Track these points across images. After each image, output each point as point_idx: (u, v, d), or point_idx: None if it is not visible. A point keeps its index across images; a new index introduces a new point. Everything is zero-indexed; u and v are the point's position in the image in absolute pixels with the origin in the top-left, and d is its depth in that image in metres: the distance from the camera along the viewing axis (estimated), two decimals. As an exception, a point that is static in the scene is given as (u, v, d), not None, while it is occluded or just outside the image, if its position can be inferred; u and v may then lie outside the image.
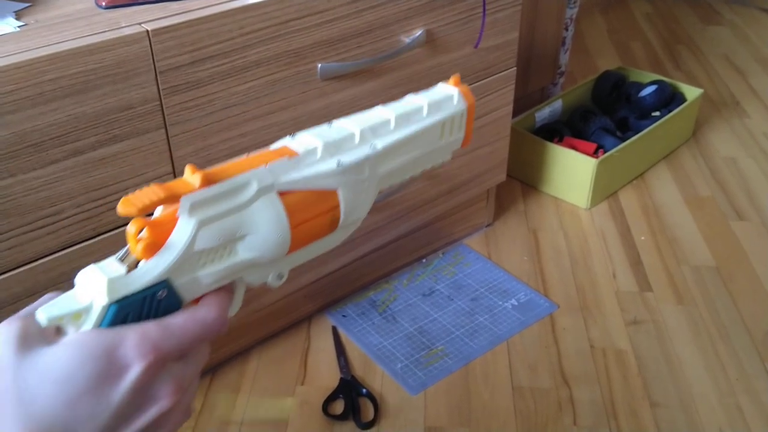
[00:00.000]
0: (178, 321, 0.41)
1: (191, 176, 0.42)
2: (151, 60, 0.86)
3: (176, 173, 0.95)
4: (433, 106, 0.54)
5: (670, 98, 1.82)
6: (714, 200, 1.66)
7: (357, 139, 0.50)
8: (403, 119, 0.53)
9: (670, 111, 1.77)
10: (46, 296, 0.42)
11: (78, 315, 0.40)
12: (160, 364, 0.40)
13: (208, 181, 0.42)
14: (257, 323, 1.24)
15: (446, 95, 0.55)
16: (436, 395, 1.18)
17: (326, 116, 1.08)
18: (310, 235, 0.48)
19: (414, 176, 0.56)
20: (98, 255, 0.92)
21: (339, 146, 0.49)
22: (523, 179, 1.72)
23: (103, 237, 0.92)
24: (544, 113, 1.77)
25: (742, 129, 1.94)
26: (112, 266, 0.41)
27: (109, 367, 0.38)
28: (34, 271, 0.87)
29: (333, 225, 0.49)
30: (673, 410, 1.15)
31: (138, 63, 0.85)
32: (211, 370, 1.23)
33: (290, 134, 0.50)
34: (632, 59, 2.33)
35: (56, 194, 0.85)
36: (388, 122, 0.52)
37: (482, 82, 1.29)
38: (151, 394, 0.40)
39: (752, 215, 1.61)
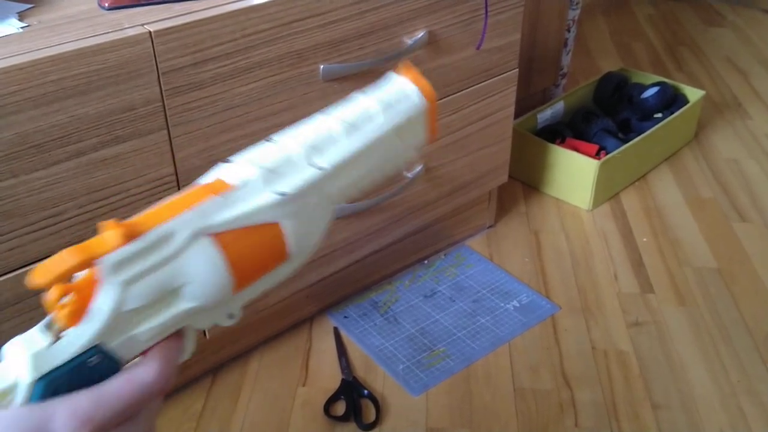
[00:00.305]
0: (113, 387, 0.38)
1: (108, 233, 0.39)
2: (154, 61, 0.86)
3: (178, 174, 0.95)
4: (388, 109, 0.48)
5: (672, 100, 1.82)
6: (716, 202, 1.66)
7: (300, 159, 0.45)
8: (353, 129, 0.47)
9: (672, 113, 1.77)
10: None
11: (5, 393, 0.37)
12: None
13: (128, 237, 0.39)
14: (258, 324, 1.25)
15: (402, 93, 0.49)
16: (438, 396, 1.18)
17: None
18: (256, 271, 0.44)
19: (374, 183, 0.50)
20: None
21: (278, 172, 0.44)
22: (524, 180, 1.72)
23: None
24: (545, 115, 1.77)
25: (744, 130, 1.94)
26: (36, 338, 0.38)
27: None
28: (36, 272, 0.88)
29: (281, 257, 0.45)
30: (674, 412, 1.15)
31: (140, 64, 0.85)
32: (213, 372, 1.23)
33: (224, 160, 0.45)
34: (634, 61, 2.33)
35: (58, 195, 0.86)
36: (335, 135, 0.46)
37: (484, 83, 1.29)
38: None
39: (754, 217, 1.61)
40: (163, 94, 0.89)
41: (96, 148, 0.86)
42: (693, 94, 1.86)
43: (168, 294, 0.40)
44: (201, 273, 0.41)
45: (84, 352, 0.38)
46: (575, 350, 1.27)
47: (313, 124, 0.47)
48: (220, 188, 0.43)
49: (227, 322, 0.44)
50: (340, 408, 1.16)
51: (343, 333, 1.30)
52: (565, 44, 1.93)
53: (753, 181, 1.73)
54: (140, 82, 0.86)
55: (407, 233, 1.36)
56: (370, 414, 1.15)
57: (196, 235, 0.41)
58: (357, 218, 1.22)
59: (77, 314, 0.38)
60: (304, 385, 1.20)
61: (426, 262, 1.47)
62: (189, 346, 0.44)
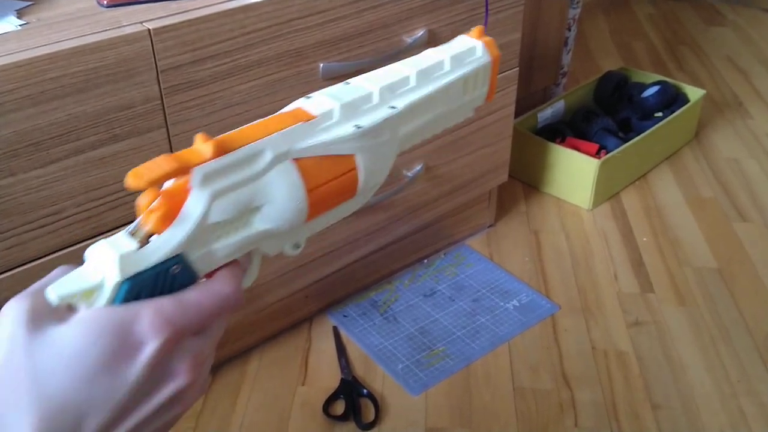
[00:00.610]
0: (193, 296, 0.40)
1: (202, 145, 0.40)
2: (153, 59, 0.86)
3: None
4: (455, 60, 0.51)
5: (672, 99, 1.82)
6: (716, 201, 1.65)
7: (376, 99, 0.47)
8: (423, 76, 0.49)
9: (672, 112, 1.77)
10: (57, 270, 0.41)
11: (90, 293, 0.38)
12: (176, 340, 0.39)
13: (220, 151, 0.40)
14: (258, 323, 1.24)
15: (468, 47, 0.52)
16: (437, 396, 1.18)
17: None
18: (328, 202, 0.46)
19: (436, 134, 0.53)
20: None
21: (356, 108, 0.46)
22: (525, 180, 1.72)
23: (103, 236, 0.91)
24: (546, 114, 1.76)
25: (744, 130, 1.94)
26: (123, 241, 0.39)
27: (123, 344, 0.37)
28: (34, 270, 0.87)
29: (352, 191, 0.47)
30: (674, 412, 1.15)
31: (139, 62, 0.85)
32: (212, 371, 1.22)
33: (306, 95, 0.47)
34: (635, 60, 2.32)
35: (57, 193, 0.85)
36: (407, 79, 0.49)
37: (484, 82, 1.29)
38: (167, 371, 0.39)
39: (755, 216, 1.60)
40: (162, 93, 0.89)
41: (94, 146, 0.86)
42: (693, 93, 1.85)
43: (248, 212, 0.42)
44: (281, 195, 0.43)
45: (168, 259, 0.39)
46: (575, 350, 1.26)
47: (386, 69, 0.50)
48: (303, 117, 0.45)
49: (292, 252, 0.46)
50: (340, 407, 1.16)
51: (343, 332, 1.30)
52: (566, 43, 1.93)
53: (753, 181, 1.72)
54: (139, 80, 0.86)
55: (407, 232, 1.36)
56: (370, 413, 1.14)
57: (280, 158, 0.43)
58: (357, 217, 1.22)
59: (166, 219, 0.39)
60: (303, 385, 1.20)
61: (426, 261, 1.46)
62: (253, 272, 0.46)
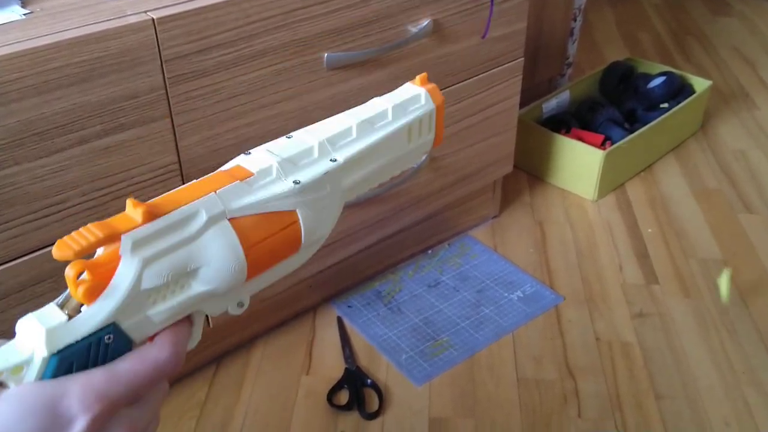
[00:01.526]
0: (125, 365, 0.38)
1: (133, 211, 0.39)
2: (157, 48, 0.86)
3: (181, 162, 0.95)
4: (399, 109, 0.51)
5: (678, 90, 1.81)
6: (722, 193, 1.65)
7: (315, 153, 0.47)
8: (366, 126, 0.49)
9: (678, 103, 1.76)
10: None
11: (18, 368, 0.37)
12: (108, 414, 0.37)
13: (151, 216, 0.39)
14: (262, 313, 1.24)
15: (412, 95, 0.52)
16: (441, 386, 1.18)
17: (333, 106, 1.07)
18: (270, 259, 0.45)
19: (383, 182, 0.52)
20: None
21: (295, 163, 0.46)
22: (529, 171, 1.72)
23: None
24: (551, 104, 1.76)
25: (751, 121, 1.93)
26: (51, 314, 0.38)
27: (52, 422, 0.36)
28: (39, 260, 0.87)
29: (294, 246, 0.46)
30: (678, 403, 1.15)
31: (143, 51, 0.85)
32: (216, 360, 1.23)
33: (245, 152, 0.47)
34: (641, 50, 2.31)
35: (62, 183, 0.85)
36: (349, 131, 0.48)
37: (489, 72, 1.28)
38: None
39: (760, 208, 1.60)
40: (167, 82, 0.88)
41: (99, 135, 0.86)
42: (700, 84, 1.84)
43: (184, 275, 0.41)
44: (217, 256, 0.42)
45: (100, 330, 0.38)
46: (579, 341, 1.26)
47: (328, 121, 0.49)
48: (240, 175, 0.44)
49: (237, 311, 0.45)
50: (344, 397, 1.16)
51: (347, 322, 1.30)
52: (571, 33, 1.92)
53: (759, 172, 1.72)
54: (143, 70, 0.86)
55: (411, 223, 1.35)
56: (373, 403, 1.15)
57: (215, 218, 0.42)
58: (361, 208, 1.22)
59: (94, 292, 0.38)
60: (307, 374, 1.20)
61: (430, 252, 1.46)
62: (197, 333, 0.44)
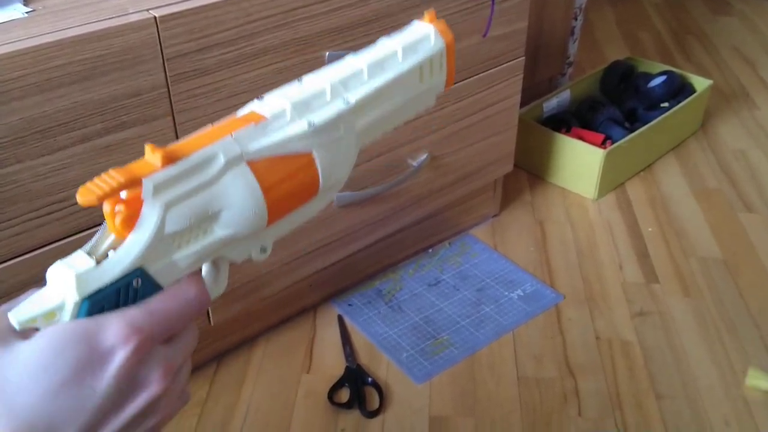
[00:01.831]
0: (159, 301, 0.39)
1: (152, 156, 0.40)
2: (159, 47, 0.86)
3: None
4: (408, 49, 0.51)
5: (679, 89, 1.81)
6: (722, 192, 1.65)
7: (328, 95, 0.47)
8: (376, 67, 0.49)
9: (678, 102, 1.76)
10: (29, 292, 0.40)
11: (51, 314, 0.38)
12: (146, 348, 0.38)
13: (169, 159, 0.40)
14: (263, 312, 1.25)
15: (422, 35, 0.52)
16: (442, 385, 1.18)
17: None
18: (289, 203, 0.45)
19: (397, 126, 0.52)
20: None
21: (309, 105, 0.46)
22: (530, 170, 1.72)
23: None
24: (551, 103, 1.76)
25: (751, 121, 1.93)
26: (80, 260, 0.39)
27: (90, 354, 0.36)
28: (41, 258, 0.88)
29: (312, 190, 0.46)
30: (678, 402, 1.15)
31: (145, 50, 0.85)
32: (217, 359, 1.23)
33: (258, 97, 0.47)
34: (641, 49, 2.31)
35: (64, 181, 0.86)
36: (360, 72, 0.49)
37: (490, 71, 1.29)
38: (139, 381, 0.38)
39: (760, 207, 1.60)
40: (168, 80, 0.89)
41: (101, 134, 0.86)
42: (700, 83, 1.85)
43: (206, 219, 0.41)
44: (237, 199, 0.42)
45: (127, 275, 0.39)
46: (579, 340, 1.26)
47: (338, 64, 0.49)
48: (254, 119, 0.44)
49: (260, 256, 0.46)
50: (344, 395, 1.16)
51: (348, 321, 1.30)
52: (572, 33, 1.92)
53: (759, 172, 1.72)
54: (145, 68, 0.86)
55: (412, 222, 1.36)
56: (374, 401, 1.15)
57: (233, 161, 0.42)
58: (361, 207, 1.22)
59: (131, 221, 0.39)
60: (308, 373, 1.21)
61: (430, 250, 1.46)
62: (222, 280, 0.45)
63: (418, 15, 1.15)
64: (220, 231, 0.42)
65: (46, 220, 0.86)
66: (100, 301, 0.38)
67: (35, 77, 0.78)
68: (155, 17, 0.84)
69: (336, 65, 0.49)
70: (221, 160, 0.42)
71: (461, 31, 1.19)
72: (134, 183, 0.39)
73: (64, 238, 0.89)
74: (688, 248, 1.48)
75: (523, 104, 1.64)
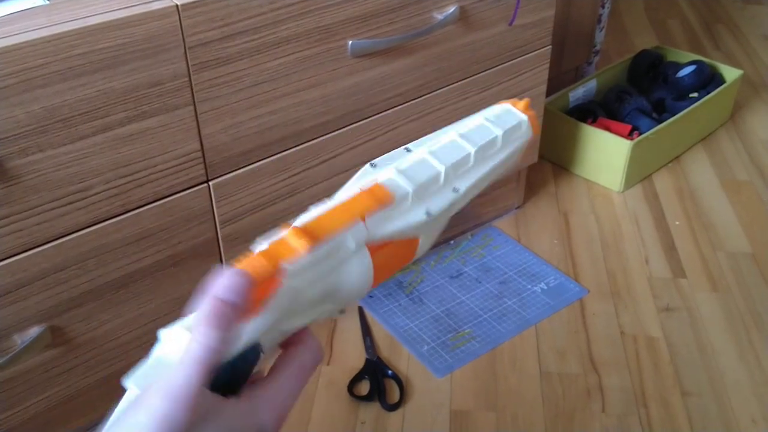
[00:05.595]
0: (291, 378, 0.42)
1: (295, 240, 0.41)
2: (181, 35, 0.85)
3: (204, 151, 0.94)
4: (506, 137, 0.53)
5: (708, 79, 1.77)
6: (752, 185, 1.61)
7: (441, 180, 0.48)
8: (481, 154, 0.51)
9: (708, 92, 1.72)
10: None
11: None
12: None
13: (311, 245, 0.41)
14: (284, 302, 1.24)
15: (516, 122, 0.53)
16: (463, 378, 1.17)
17: (356, 94, 1.06)
18: (385, 276, 0.47)
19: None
20: (125, 232, 0.91)
21: (426, 189, 0.47)
22: (554, 161, 1.69)
23: (131, 213, 0.91)
24: (578, 93, 1.73)
25: (782, 112, 1.88)
26: None
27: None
28: (63, 247, 0.87)
29: (404, 264, 0.49)
30: (705, 399, 1.13)
31: (167, 38, 0.84)
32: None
33: (369, 162, 0.48)
34: (670, 38, 2.26)
35: (85, 170, 0.85)
36: (468, 158, 0.50)
37: (516, 60, 1.26)
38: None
39: (792, 201, 1.56)
40: (190, 69, 0.88)
41: (123, 123, 0.85)
42: (730, 73, 1.80)
43: (324, 299, 0.43)
44: (354, 279, 0.44)
45: (247, 351, 0.39)
46: (603, 335, 1.24)
47: (446, 139, 0.51)
48: (382, 197, 0.45)
49: (338, 315, 0.48)
50: (364, 388, 1.15)
51: (368, 313, 1.29)
52: (599, 21, 1.88)
53: (791, 165, 1.68)
54: (167, 57, 0.85)
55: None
56: (394, 394, 1.14)
57: (360, 246, 0.44)
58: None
59: (261, 302, 0.40)
60: (328, 365, 1.20)
61: (452, 242, 1.45)
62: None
63: (443, 2, 1.13)
64: (329, 306, 0.44)
65: (68, 209, 0.86)
66: (217, 370, 0.39)
67: (57, 65, 0.78)
68: (177, 5, 0.83)
69: (442, 139, 0.50)
70: (351, 246, 0.43)
71: (487, 19, 1.17)
72: (277, 266, 0.40)
73: (85, 227, 0.89)
74: (717, 242, 1.45)
75: (548, 93, 1.61)
